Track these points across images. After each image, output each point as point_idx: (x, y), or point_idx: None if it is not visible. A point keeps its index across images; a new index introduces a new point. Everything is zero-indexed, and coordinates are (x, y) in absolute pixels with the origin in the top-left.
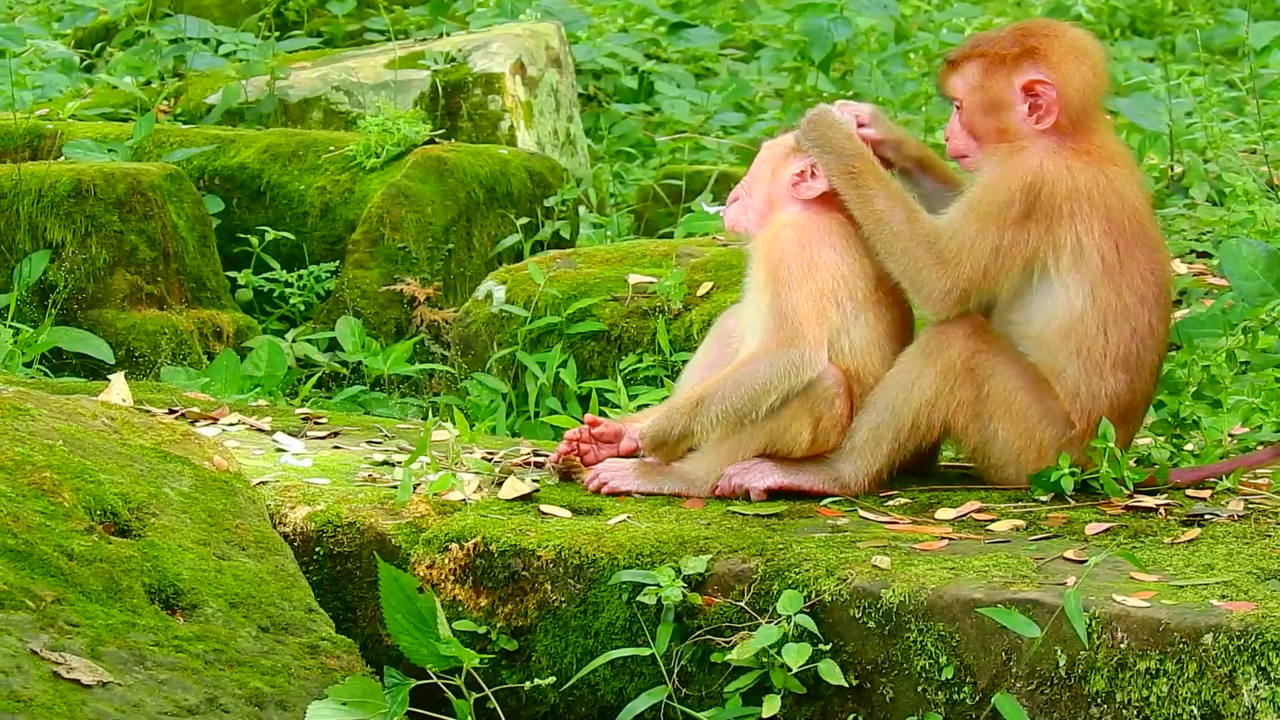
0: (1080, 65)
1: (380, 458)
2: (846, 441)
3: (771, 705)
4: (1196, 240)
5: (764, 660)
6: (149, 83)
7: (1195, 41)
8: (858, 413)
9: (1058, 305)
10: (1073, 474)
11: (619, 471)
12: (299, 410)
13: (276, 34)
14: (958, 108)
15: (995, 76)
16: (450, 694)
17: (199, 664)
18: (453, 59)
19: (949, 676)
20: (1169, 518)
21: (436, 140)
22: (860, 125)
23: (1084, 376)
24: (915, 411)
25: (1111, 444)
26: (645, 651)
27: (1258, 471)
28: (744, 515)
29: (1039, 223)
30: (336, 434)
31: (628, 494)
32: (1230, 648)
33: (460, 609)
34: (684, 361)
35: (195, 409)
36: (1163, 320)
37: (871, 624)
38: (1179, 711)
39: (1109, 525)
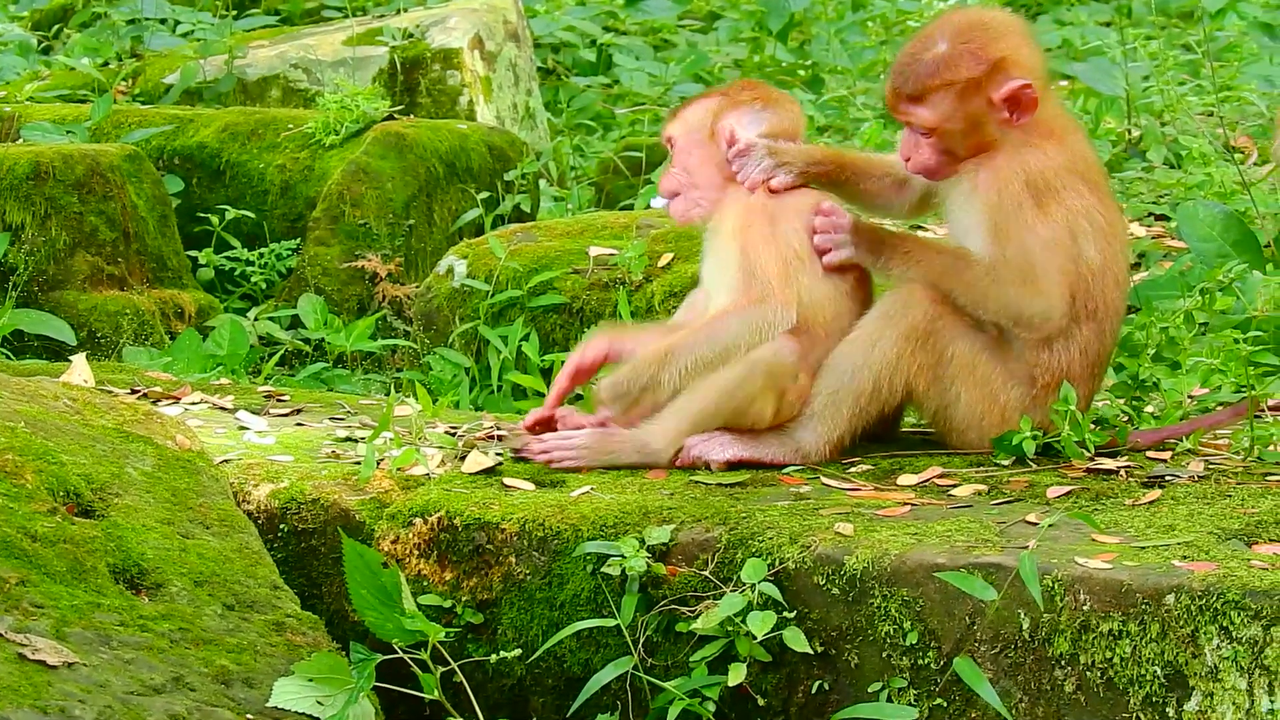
0: (1035, 51)
1: (343, 434)
2: (805, 408)
3: (737, 673)
4: (1154, 203)
5: (729, 629)
6: (107, 64)
7: (1151, 5)
8: (818, 379)
9: (1085, 267)
10: (1034, 437)
11: (568, 444)
12: (261, 388)
13: (234, 13)
14: (924, 134)
15: (972, 100)
16: (416, 668)
17: (164, 643)
18: (410, 35)
19: (913, 642)
20: (1130, 479)
21: (395, 116)
22: (769, 180)
23: (1071, 327)
24: (876, 375)
25: (1073, 407)
26: (610, 623)
27: (1217, 432)
28: (707, 485)
29: (1052, 203)
30: (299, 411)
31: (578, 470)
32: (1192, 608)
33: (425, 583)
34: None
35: (157, 389)
36: (1128, 267)
37: (835, 591)
38: (1142, 672)
39: (1070, 488)
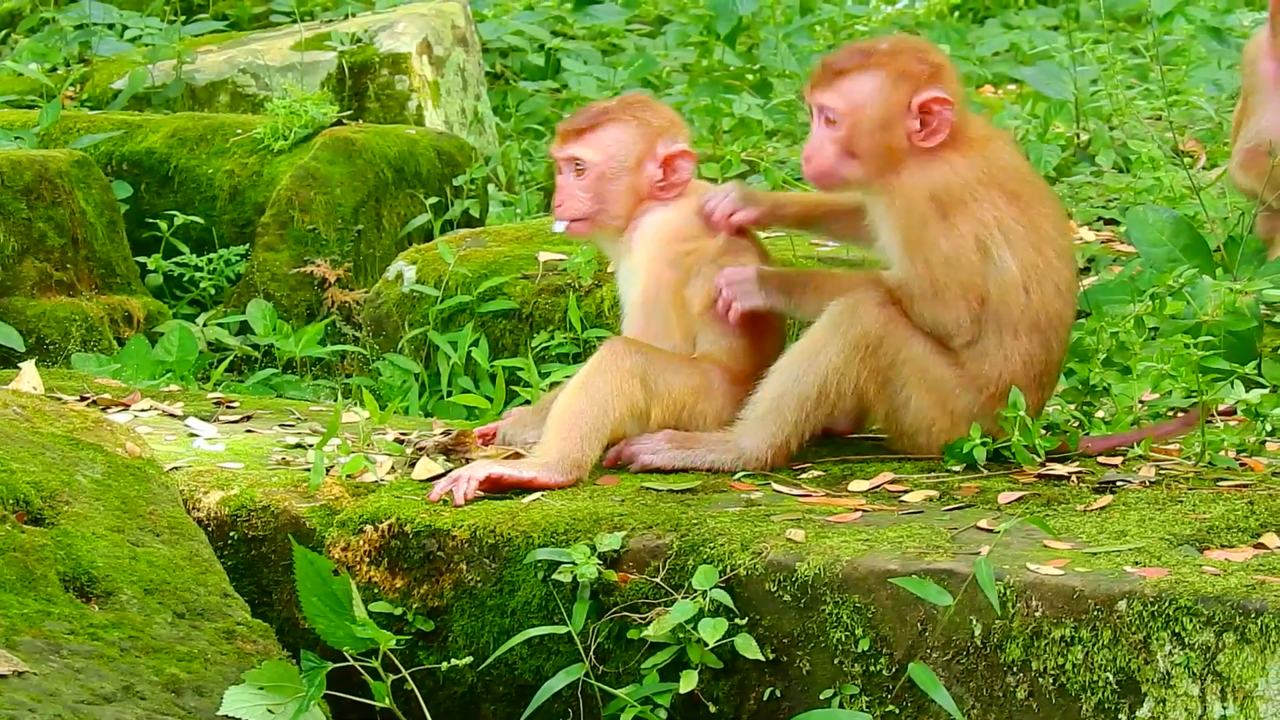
0: (959, 84)
1: (293, 441)
2: (748, 412)
3: (689, 680)
4: (1103, 208)
5: (680, 636)
6: (55, 69)
7: (1099, 9)
8: (760, 385)
9: (995, 277)
10: (985, 444)
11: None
12: (211, 395)
13: (182, 18)
14: (831, 120)
15: (896, 92)
16: (367, 676)
17: (115, 651)
18: (359, 40)
19: (865, 648)
20: (1081, 485)
21: (344, 121)
22: (734, 212)
23: (994, 340)
24: (822, 380)
25: (1022, 413)
26: (562, 630)
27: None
28: (658, 491)
29: (957, 215)
30: (249, 418)
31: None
32: (1144, 614)
33: (376, 590)
34: (597, 338)
35: (107, 395)
36: (1075, 273)
37: (787, 597)
38: (1095, 679)
39: (1021, 494)
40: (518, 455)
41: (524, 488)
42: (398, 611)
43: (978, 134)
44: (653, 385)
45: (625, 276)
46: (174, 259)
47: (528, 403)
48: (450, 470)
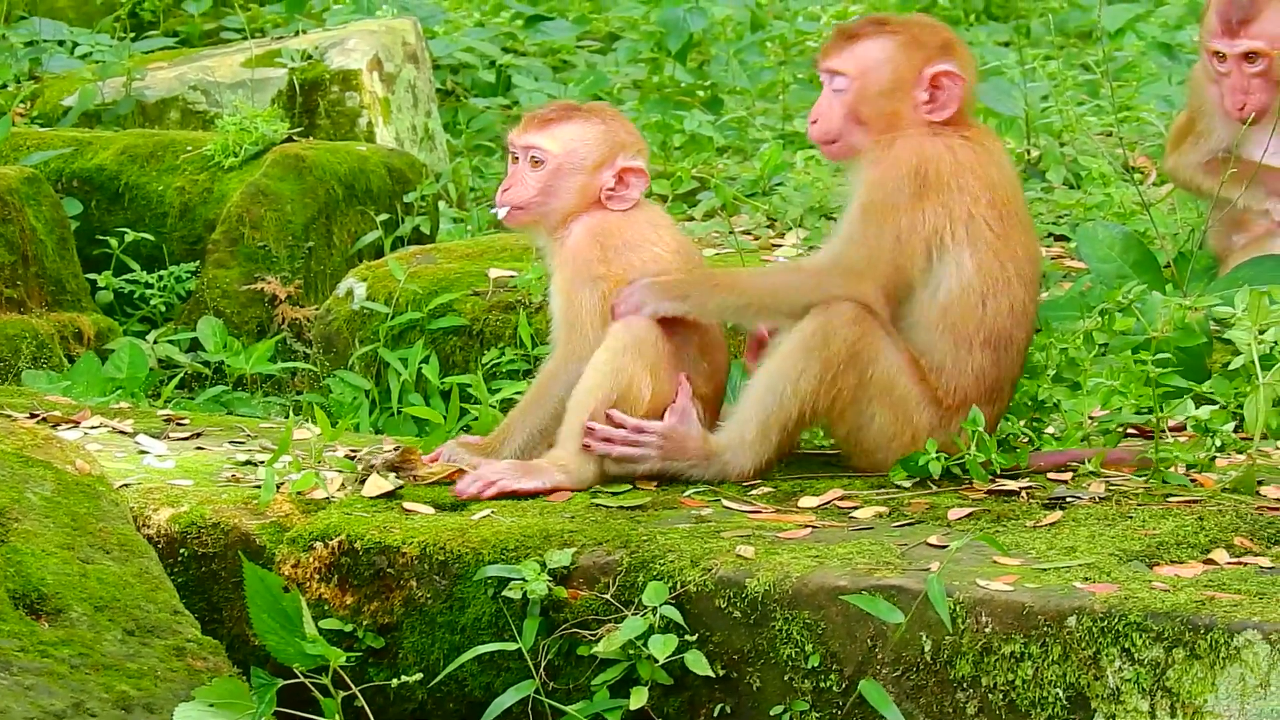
0: (973, 67)
1: (243, 458)
2: (735, 432)
3: (639, 697)
4: (1054, 224)
5: (631, 652)
6: (4, 86)
7: (1049, 25)
8: (740, 404)
9: (949, 280)
10: (940, 458)
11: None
12: (161, 412)
13: (132, 35)
14: (839, 87)
15: (908, 58)
16: (318, 693)
17: (65, 668)
18: (309, 56)
19: (815, 665)
20: (1031, 501)
21: (295, 138)
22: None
23: (952, 351)
24: (803, 402)
25: (980, 428)
26: (512, 646)
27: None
28: (608, 507)
29: (932, 200)
30: (199, 435)
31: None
32: (1094, 630)
33: (326, 607)
34: (547, 355)
35: (57, 413)
36: (1034, 301)
37: (737, 614)
38: (1044, 695)
39: (971, 510)
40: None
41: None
42: (348, 628)
43: (978, 131)
44: (661, 383)
45: (553, 282)
46: (124, 276)
47: (467, 428)
48: (401, 488)
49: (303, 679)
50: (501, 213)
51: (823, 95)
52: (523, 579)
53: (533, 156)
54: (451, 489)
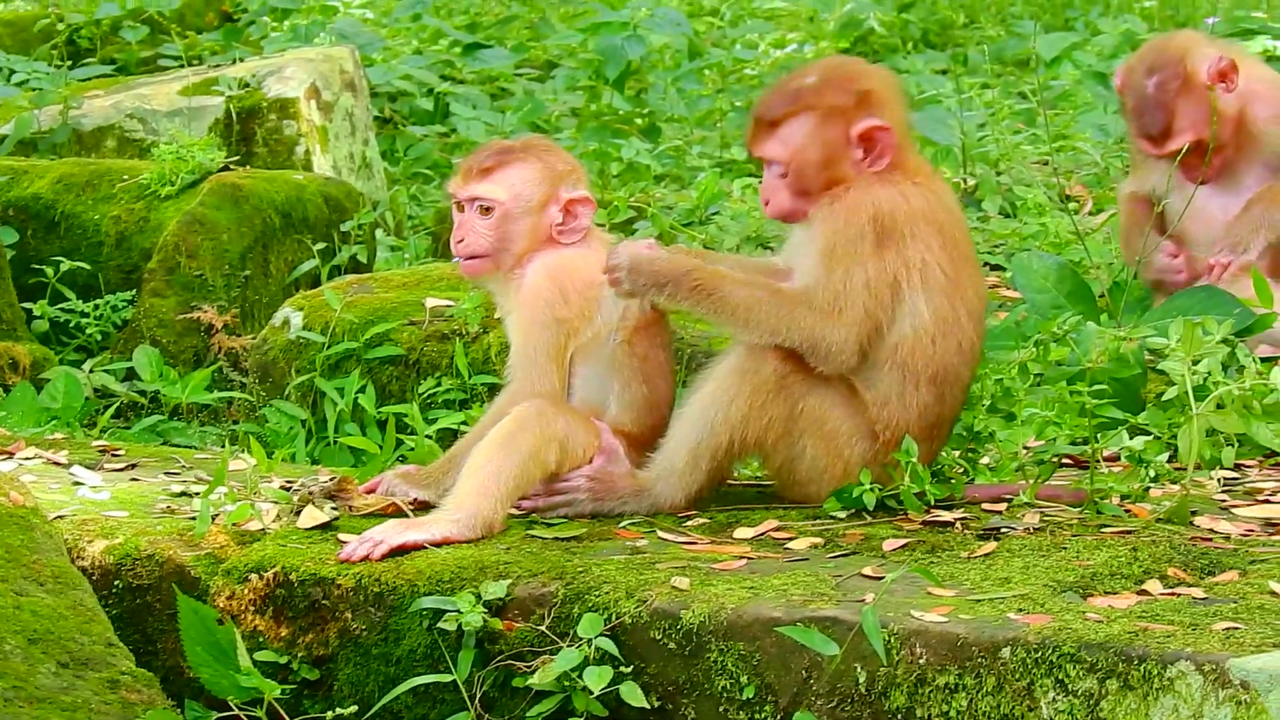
0: (899, 103)
1: (178, 489)
2: (664, 462)
3: None
4: (989, 253)
5: (566, 684)
6: None
7: (986, 53)
8: (671, 431)
9: (903, 323)
10: (874, 489)
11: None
12: (96, 442)
13: (69, 62)
14: (777, 172)
15: (830, 129)
16: None
17: None
18: (247, 84)
19: (750, 696)
20: (965, 532)
21: (231, 167)
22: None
23: (897, 387)
24: (733, 430)
25: (914, 459)
26: (447, 678)
27: (1053, 483)
28: (544, 539)
29: (890, 248)
30: (134, 465)
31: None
32: (1028, 660)
33: (261, 639)
34: (484, 385)
35: None
36: (980, 337)
37: (672, 645)
38: None
39: (906, 541)
40: (424, 505)
41: (435, 547)
42: (283, 660)
43: (923, 166)
44: (569, 448)
45: (510, 319)
46: (60, 305)
47: (403, 458)
48: (337, 519)
49: (237, 711)
50: (462, 265)
51: (765, 178)
52: (458, 611)
53: (480, 205)
54: (337, 555)
